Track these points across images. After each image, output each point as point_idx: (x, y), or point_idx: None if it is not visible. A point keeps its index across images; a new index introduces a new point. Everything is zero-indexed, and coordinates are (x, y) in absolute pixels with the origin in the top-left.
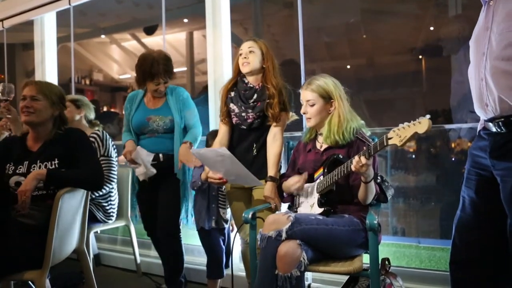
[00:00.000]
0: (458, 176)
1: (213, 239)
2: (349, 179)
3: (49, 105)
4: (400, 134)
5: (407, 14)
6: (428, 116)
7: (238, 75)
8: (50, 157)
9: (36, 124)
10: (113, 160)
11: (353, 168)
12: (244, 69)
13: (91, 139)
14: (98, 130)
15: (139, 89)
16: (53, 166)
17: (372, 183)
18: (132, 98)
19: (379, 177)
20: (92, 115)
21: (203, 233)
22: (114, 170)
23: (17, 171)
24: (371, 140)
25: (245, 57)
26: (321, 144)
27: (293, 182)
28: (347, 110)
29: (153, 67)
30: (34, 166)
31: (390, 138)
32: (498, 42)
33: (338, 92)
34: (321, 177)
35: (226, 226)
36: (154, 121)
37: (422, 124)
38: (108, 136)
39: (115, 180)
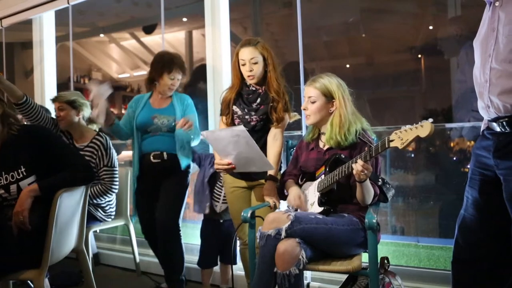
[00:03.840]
0: (457, 175)
1: (207, 229)
2: (350, 179)
3: None
4: (402, 137)
5: (406, 13)
6: (430, 120)
7: (241, 77)
8: (14, 165)
9: None
10: (116, 171)
11: (354, 173)
12: (251, 82)
13: (94, 146)
14: (101, 136)
15: (148, 89)
16: (21, 176)
17: (368, 183)
18: (138, 98)
19: (380, 179)
20: (88, 112)
21: (203, 222)
22: (116, 181)
23: None
24: (373, 141)
25: (250, 70)
26: (324, 143)
27: (292, 197)
28: (350, 112)
29: (175, 59)
30: (0, 179)
31: (391, 141)
32: (505, 45)
33: (340, 93)
34: (323, 176)
35: (221, 220)
36: (159, 120)
37: (424, 128)
38: (111, 144)
39: (116, 191)
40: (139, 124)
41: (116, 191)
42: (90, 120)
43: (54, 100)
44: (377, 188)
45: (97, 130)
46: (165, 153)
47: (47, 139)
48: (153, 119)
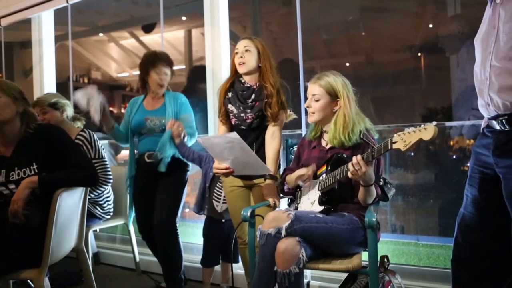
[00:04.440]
0: (457, 174)
1: (209, 229)
2: (351, 178)
3: (11, 101)
4: (405, 139)
5: (406, 11)
6: (434, 122)
7: (235, 74)
8: (27, 162)
9: (2, 124)
10: (105, 161)
11: (349, 174)
12: (240, 70)
13: (79, 142)
14: (84, 132)
15: (142, 92)
16: (32, 172)
17: (372, 186)
18: (133, 102)
19: (381, 180)
20: (71, 111)
21: (205, 222)
22: (109, 171)
23: None
24: (376, 142)
25: (241, 57)
26: (327, 142)
27: (301, 173)
28: (354, 112)
29: (159, 54)
30: (13, 174)
31: (394, 142)
32: (505, 42)
33: (345, 92)
34: (324, 175)
35: (223, 220)
36: (152, 121)
37: (428, 131)
38: (95, 137)
39: (111, 181)
40: (133, 127)
41: (111, 181)
42: (74, 118)
43: (34, 105)
44: (378, 188)
45: (82, 127)
46: (158, 153)
47: (58, 138)
48: (145, 121)
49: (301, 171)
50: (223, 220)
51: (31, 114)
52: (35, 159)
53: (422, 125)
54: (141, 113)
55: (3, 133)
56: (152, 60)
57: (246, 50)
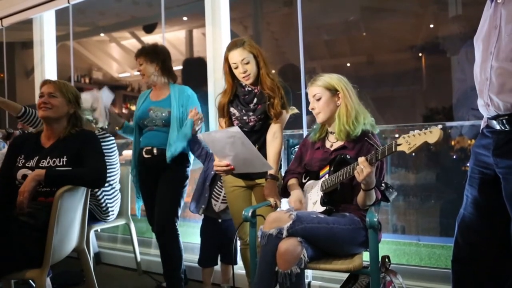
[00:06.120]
0: (458, 174)
1: (206, 228)
2: (353, 179)
3: (66, 102)
4: (409, 142)
5: (407, 11)
6: (440, 126)
7: (233, 80)
8: (60, 154)
9: (52, 120)
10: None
11: (355, 172)
12: (247, 82)
13: None
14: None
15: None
16: (61, 163)
17: (372, 191)
18: (142, 95)
19: (383, 184)
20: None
21: (203, 221)
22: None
23: (26, 165)
24: (378, 141)
25: (245, 71)
26: (332, 143)
27: (293, 200)
28: (356, 102)
29: (142, 48)
30: (43, 162)
31: (399, 145)
32: (507, 43)
33: (343, 84)
34: (327, 176)
35: (219, 220)
36: (154, 112)
37: (433, 134)
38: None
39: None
40: (138, 118)
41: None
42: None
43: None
44: (378, 192)
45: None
46: (155, 149)
47: (90, 141)
48: (148, 111)
49: (295, 203)
50: (220, 221)
51: (79, 118)
52: (67, 153)
53: (427, 128)
54: (146, 104)
55: (51, 129)
56: (135, 56)
57: (246, 63)
